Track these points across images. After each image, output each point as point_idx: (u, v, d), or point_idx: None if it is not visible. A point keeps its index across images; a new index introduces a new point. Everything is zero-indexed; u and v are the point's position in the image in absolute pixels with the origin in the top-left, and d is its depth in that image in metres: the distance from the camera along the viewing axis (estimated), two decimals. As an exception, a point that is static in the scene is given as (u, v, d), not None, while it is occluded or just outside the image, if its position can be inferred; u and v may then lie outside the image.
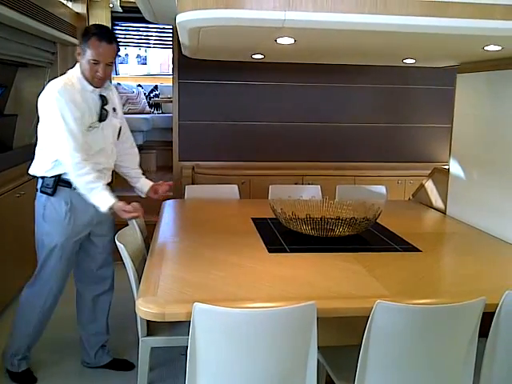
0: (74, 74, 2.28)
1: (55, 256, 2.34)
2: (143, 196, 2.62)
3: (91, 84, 2.28)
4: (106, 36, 2.20)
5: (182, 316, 1.60)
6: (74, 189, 2.26)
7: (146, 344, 2.10)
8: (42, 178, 2.31)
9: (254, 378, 1.60)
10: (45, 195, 2.30)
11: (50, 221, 2.32)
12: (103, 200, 2.19)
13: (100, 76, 2.23)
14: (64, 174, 2.27)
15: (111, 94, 2.44)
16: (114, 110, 2.43)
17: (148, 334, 2.09)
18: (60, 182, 2.28)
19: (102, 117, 2.32)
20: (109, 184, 2.35)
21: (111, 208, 2.19)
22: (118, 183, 2.75)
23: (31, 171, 2.37)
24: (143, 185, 2.61)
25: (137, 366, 2.12)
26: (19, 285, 3.34)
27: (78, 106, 2.21)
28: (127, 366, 2.62)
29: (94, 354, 2.60)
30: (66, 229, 2.31)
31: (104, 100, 2.33)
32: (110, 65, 2.27)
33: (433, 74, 4.50)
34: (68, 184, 2.28)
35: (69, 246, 2.35)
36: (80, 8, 4.52)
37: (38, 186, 2.33)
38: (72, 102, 2.18)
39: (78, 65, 2.28)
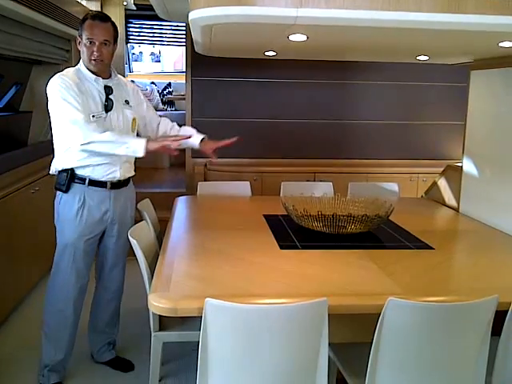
0: (76, 67, 2.31)
1: (68, 255, 2.31)
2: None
3: (92, 72, 2.26)
4: (99, 16, 2.21)
5: (194, 311, 1.61)
6: (88, 185, 2.27)
7: (158, 339, 2.12)
8: (58, 174, 2.30)
9: (264, 373, 1.60)
10: (60, 193, 2.30)
11: (63, 219, 2.30)
12: (136, 143, 2.16)
13: (96, 55, 2.19)
14: (77, 168, 2.26)
15: (123, 86, 2.40)
16: (127, 102, 2.39)
17: (160, 329, 2.11)
18: (74, 179, 2.27)
19: (108, 107, 2.27)
20: (126, 180, 2.39)
21: (147, 148, 2.15)
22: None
23: (51, 171, 2.36)
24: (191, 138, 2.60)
25: (149, 361, 2.14)
26: (34, 280, 3.40)
27: (79, 93, 2.20)
28: (127, 366, 2.61)
29: (98, 350, 2.61)
30: (77, 226, 2.29)
31: (110, 90, 2.29)
32: (107, 44, 2.22)
33: (446, 71, 4.46)
34: (82, 180, 2.27)
35: (80, 245, 2.31)
36: (94, 6, 4.57)
37: (54, 183, 2.33)
38: (71, 88, 2.17)
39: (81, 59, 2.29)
